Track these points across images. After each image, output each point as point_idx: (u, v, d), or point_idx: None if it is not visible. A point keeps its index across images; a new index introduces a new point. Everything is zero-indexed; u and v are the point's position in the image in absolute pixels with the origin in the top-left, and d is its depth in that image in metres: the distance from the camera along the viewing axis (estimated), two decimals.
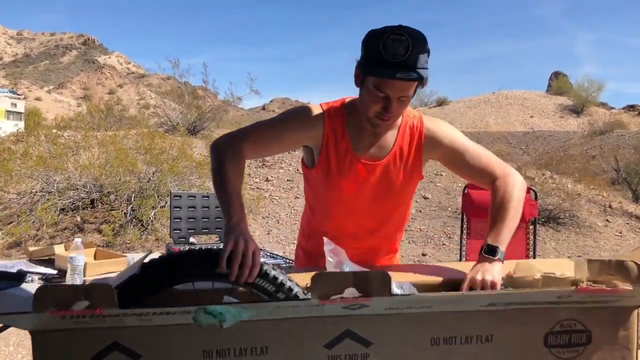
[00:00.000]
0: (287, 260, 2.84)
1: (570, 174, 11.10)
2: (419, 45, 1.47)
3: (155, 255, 1.34)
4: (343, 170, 1.68)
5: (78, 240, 2.53)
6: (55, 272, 2.59)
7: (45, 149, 7.35)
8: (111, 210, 6.75)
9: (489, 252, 1.45)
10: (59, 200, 6.57)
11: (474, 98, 42.87)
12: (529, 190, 4.02)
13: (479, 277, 1.35)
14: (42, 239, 6.29)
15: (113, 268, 2.72)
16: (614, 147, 19.39)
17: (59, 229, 6.59)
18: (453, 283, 1.39)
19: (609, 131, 23.43)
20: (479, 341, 1.17)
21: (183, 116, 12.09)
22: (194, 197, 3.35)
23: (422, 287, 1.33)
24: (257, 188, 8.37)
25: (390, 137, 1.71)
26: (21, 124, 23.75)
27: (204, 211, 3.30)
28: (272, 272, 1.20)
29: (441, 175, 9.07)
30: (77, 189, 6.77)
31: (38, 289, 0.94)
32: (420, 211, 7.71)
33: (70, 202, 6.71)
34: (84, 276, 2.51)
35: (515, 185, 1.62)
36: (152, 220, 6.43)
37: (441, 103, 43.18)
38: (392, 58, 1.44)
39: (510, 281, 1.30)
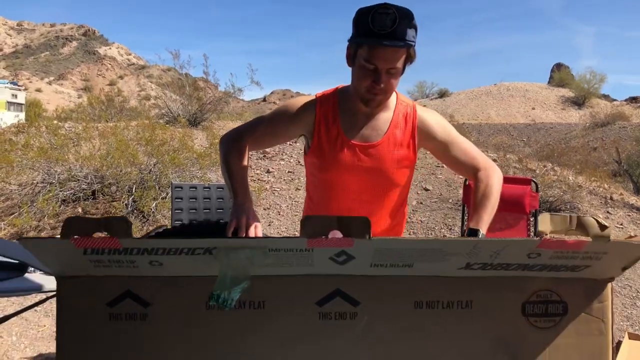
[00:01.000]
0: None
1: (572, 166, 11.09)
2: (406, 19, 1.54)
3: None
4: (335, 153, 1.72)
5: None
6: None
7: (46, 140, 7.35)
8: (112, 201, 6.76)
9: (471, 235, 1.56)
10: (60, 191, 6.58)
11: (476, 90, 42.81)
12: (530, 182, 4.04)
13: None
14: (43, 230, 6.31)
15: None
16: (615, 139, 19.37)
17: (60, 220, 6.60)
18: None
19: (611, 123, 23.41)
20: (459, 306, 1.23)
21: (184, 107, 12.07)
22: (195, 188, 3.35)
23: None
24: (258, 179, 8.37)
25: (384, 121, 1.75)
26: (22, 115, 23.73)
27: (205, 202, 3.31)
28: None
29: (442, 167, 9.06)
30: (78, 180, 6.77)
31: (66, 220, 1.07)
32: (422, 203, 7.71)
33: (71, 193, 6.71)
34: None
35: (496, 177, 1.72)
36: (153, 212, 6.44)
37: (443, 95, 43.16)
38: (380, 29, 1.52)
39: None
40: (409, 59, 1.62)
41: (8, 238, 6.19)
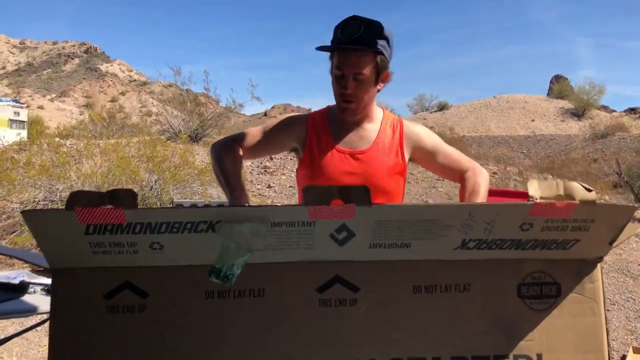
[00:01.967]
0: None
1: (572, 178, 11.08)
2: (374, 29, 1.64)
3: None
4: (326, 160, 1.76)
5: None
6: None
7: (48, 158, 7.37)
8: None
9: None
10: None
11: (475, 102, 42.95)
12: (528, 195, 4.05)
13: None
14: None
15: None
16: (615, 150, 19.38)
17: None
18: None
19: (611, 134, 23.46)
20: (457, 290, 1.25)
21: (185, 123, 12.12)
22: (196, 205, 3.36)
23: None
24: (259, 194, 8.39)
25: (372, 131, 1.81)
26: (24, 133, 23.81)
27: None
28: None
29: (442, 180, 9.08)
30: None
31: (71, 193, 1.06)
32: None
33: None
34: None
35: (482, 176, 1.79)
36: None
37: (442, 107, 43.28)
38: (347, 37, 1.62)
39: None
40: (379, 68, 1.68)
41: (9, 257, 6.18)
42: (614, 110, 53.16)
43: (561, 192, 1.14)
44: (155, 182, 6.91)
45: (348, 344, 1.22)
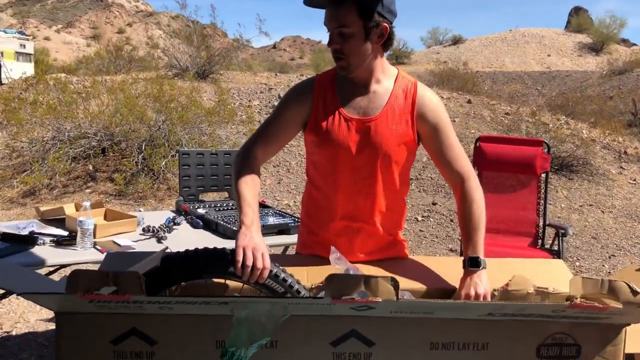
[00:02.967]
0: (296, 220, 2.83)
1: (586, 119, 10.88)
2: None
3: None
4: (333, 128, 1.71)
5: (87, 203, 2.56)
6: (66, 233, 2.64)
7: (55, 97, 7.31)
8: (122, 158, 6.78)
9: (473, 264, 1.53)
10: (71, 148, 6.59)
11: (490, 36, 41.75)
12: (542, 143, 3.99)
13: (471, 292, 1.45)
14: (55, 188, 6.37)
15: (123, 229, 2.77)
16: (632, 88, 18.89)
17: (71, 177, 6.65)
18: (442, 291, 1.46)
19: (629, 71, 22.76)
20: (475, 348, 1.23)
21: (192, 59, 11.88)
22: (202, 154, 3.33)
23: (415, 294, 1.40)
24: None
25: (382, 95, 1.73)
26: (30, 66, 23.54)
27: (212, 169, 3.29)
28: (282, 275, 1.29)
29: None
30: (88, 137, 6.77)
31: (71, 273, 1.02)
32: (432, 160, 7.66)
33: (81, 151, 6.73)
34: (94, 237, 2.56)
35: (478, 192, 1.73)
36: (163, 170, 6.46)
37: (456, 41, 42.16)
38: None
39: (505, 294, 1.39)
40: (367, 21, 1.61)
41: (21, 197, 6.27)
42: (635, 44, 51.51)
43: (605, 290, 1.12)
44: (163, 122, 6.85)
45: None
